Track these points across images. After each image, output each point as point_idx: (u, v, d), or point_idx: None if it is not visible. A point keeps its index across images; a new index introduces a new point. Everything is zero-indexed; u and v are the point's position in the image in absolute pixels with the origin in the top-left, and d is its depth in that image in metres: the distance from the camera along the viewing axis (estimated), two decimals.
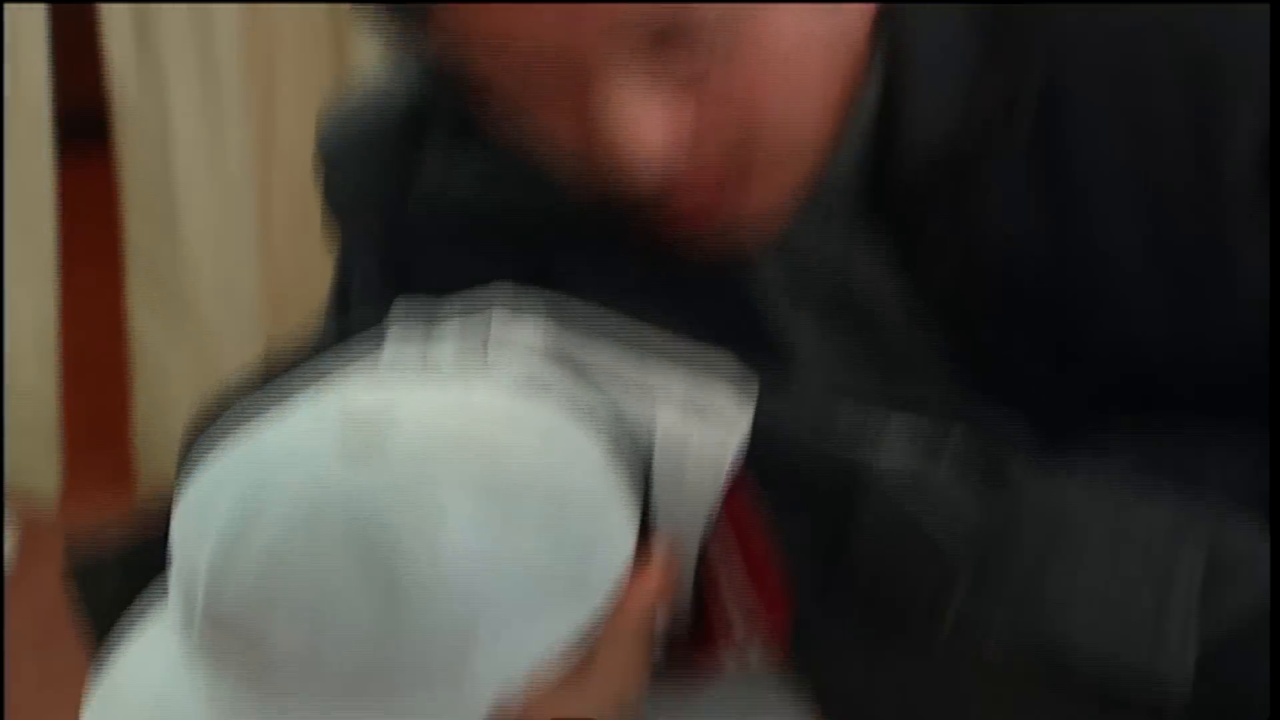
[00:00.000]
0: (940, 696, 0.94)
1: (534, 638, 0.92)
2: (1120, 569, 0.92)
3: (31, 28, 3.72)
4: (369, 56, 3.98)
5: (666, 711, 1.02)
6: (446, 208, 1.08)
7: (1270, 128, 1.49)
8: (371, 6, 0.98)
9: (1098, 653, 0.91)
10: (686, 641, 1.03)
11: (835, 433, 0.95)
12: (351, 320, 1.04)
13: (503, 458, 0.93)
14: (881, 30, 1.00)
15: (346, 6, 3.86)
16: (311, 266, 4.08)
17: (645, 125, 0.92)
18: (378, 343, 1.02)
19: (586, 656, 0.95)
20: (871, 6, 0.99)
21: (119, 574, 1.07)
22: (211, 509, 0.95)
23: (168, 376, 3.95)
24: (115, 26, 3.84)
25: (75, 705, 1.13)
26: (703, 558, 0.99)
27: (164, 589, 1.00)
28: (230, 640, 0.93)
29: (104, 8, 3.83)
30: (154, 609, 1.01)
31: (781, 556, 0.95)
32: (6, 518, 3.69)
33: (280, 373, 1.04)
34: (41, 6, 3.72)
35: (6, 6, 3.70)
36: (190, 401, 3.90)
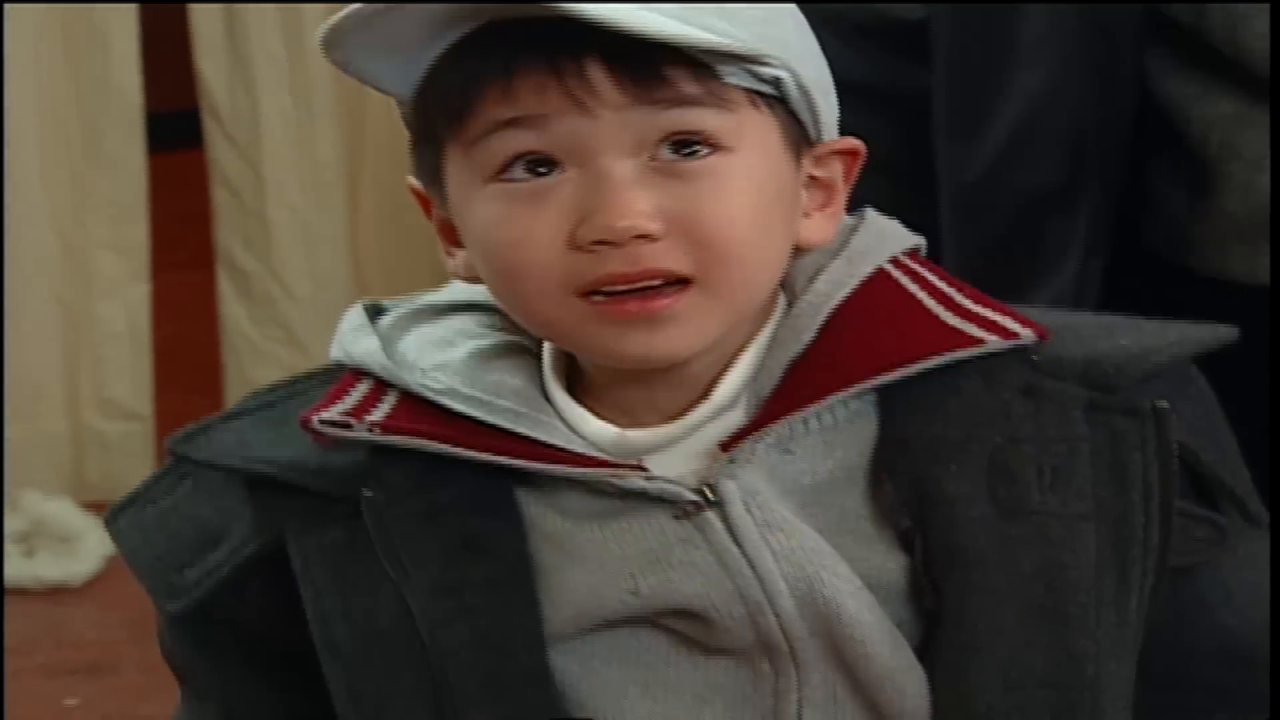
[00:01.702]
0: None
1: None
2: None
3: (123, 32, 3.76)
4: None
5: None
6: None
7: (1272, 144, 1.52)
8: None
9: None
10: None
11: None
12: None
13: None
14: None
15: None
16: (401, 268, 4.11)
17: (634, 195, 1.07)
18: None
19: None
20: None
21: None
22: None
23: (259, 378, 3.98)
24: (206, 31, 3.87)
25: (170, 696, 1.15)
26: None
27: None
28: None
29: (195, 13, 3.86)
30: None
31: None
32: (103, 530, 3.73)
33: None
34: (132, 9, 3.75)
35: (97, 10, 3.73)
36: None
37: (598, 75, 1.06)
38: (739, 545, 1.10)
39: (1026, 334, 1.13)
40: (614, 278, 1.06)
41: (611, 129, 1.06)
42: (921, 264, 1.18)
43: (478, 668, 1.09)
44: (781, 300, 1.15)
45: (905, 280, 1.16)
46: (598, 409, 1.12)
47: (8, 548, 3.66)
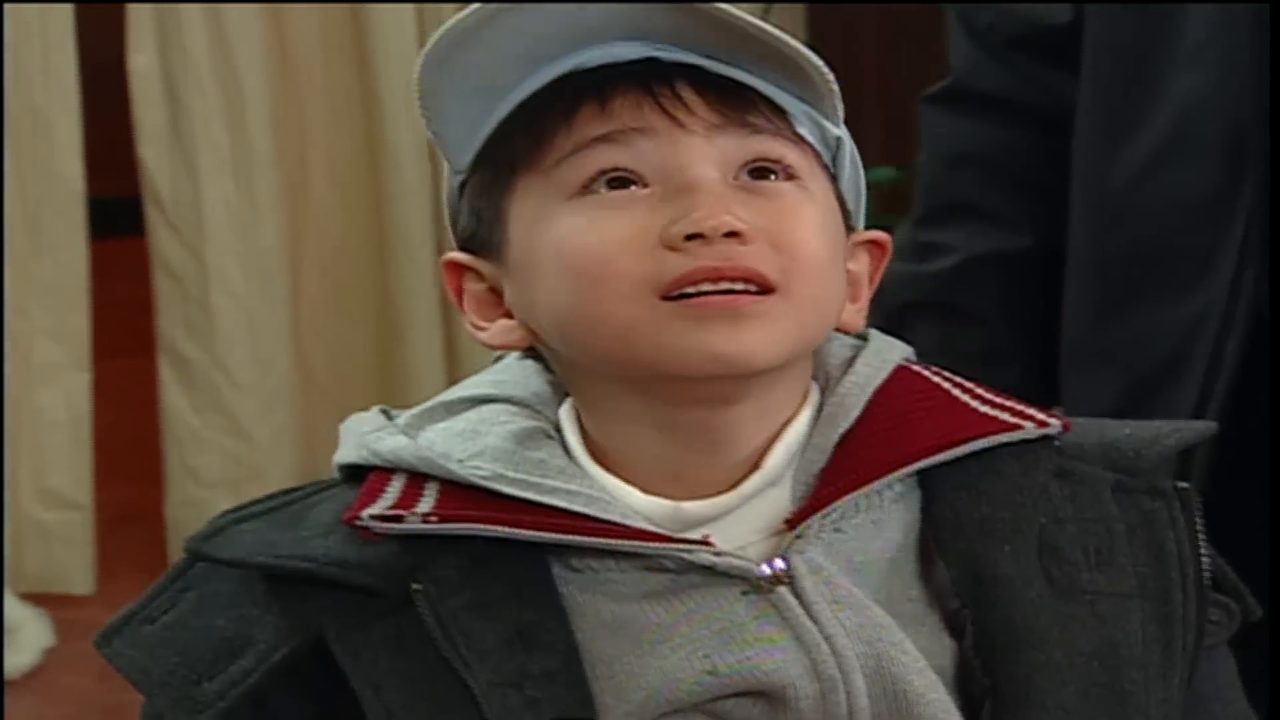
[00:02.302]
0: None
1: None
2: None
3: (65, 119, 3.74)
4: (401, 142, 3.99)
5: None
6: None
7: (1270, 150, 1.51)
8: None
9: None
10: None
11: None
12: None
13: None
14: None
15: (378, 89, 3.89)
16: (344, 356, 4.09)
17: (727, 195, 1.11)
18: None
19: None
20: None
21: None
22: None
23: (200, 466, 3.95)
24: (148, 118, 3.86)
25: None
26: None
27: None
28: None
29: (138, 100, 3.85)
30: None
31: None
32: (42, 621, 3.68)
33: None
34: (75, 101, 3.74)
35: (39, 96, 3.71)
36: (223, 487, 3.91)
37: (691, 96, 1.12)
38: (814, 621, 1.10)
39: (1054, 423, 1.17)
40: (704, 272, 1.09)
41: (700, 145, 1.12)
42: (925, 368, 1.21)
43: None
44: (814, 386, 1.17)
45: (928, 374, 1.20)
46: (640, 484, 1.13)
47: None
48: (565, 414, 1.16)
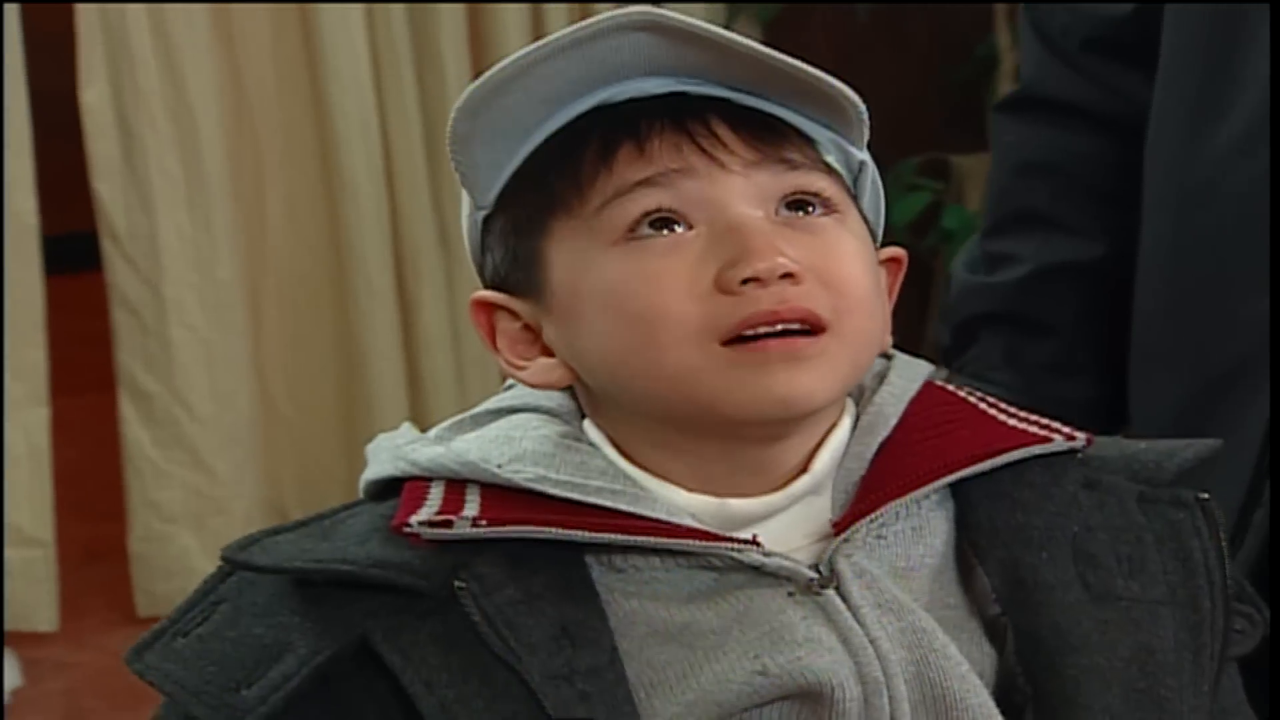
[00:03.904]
0: None
1: None
2: None
3: (18, 157, 3.73)
4: (356, 171, 3.99)
5: None
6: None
7: (1271, 139, 1.51)
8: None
9: None
10: None
11: None
12: None
13: None
14: None
15: (332, 120, 3.89)
16: (305, 387, 4.07)
17: (775, 235, 1.12)
18: None
19: None
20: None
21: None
22: None
23: (162, 500, 3.93)
24: (102, 153, 3.84)
25: None
26: None
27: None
28: None
29: (90, 134, 3.83)
30: None
31: None
32: (6, 660, 3.66)
33: None
34: (27, 135, 3.73)
35: None
36: (186, 521, 3.90)
37: (725, 133, 1.13)
38: (861, 625, 1.11)
39: (1080, 436, 1.20)
40: (764, 316, 1.10)
41: (740, 184, 1.13)
42: (948, 384, 1.23)
43: None
44: (849, 401, 1.19)
45: (953, 390, 1.22)
46: (683, 485, 1.14)
47: None
48: (590, 427, 1.17)
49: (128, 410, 3.94)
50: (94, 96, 3.83)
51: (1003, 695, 1.14)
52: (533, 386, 1.18)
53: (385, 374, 4.05)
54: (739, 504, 1.14)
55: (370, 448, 1.19)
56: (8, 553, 3.83)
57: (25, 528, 3.84)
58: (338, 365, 4.08)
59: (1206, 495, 1.20)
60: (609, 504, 1.12)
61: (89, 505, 4.08)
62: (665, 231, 1.13)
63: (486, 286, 1.19)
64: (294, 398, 4.06)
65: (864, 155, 1.19)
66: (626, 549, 1.12)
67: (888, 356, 1.21)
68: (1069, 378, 1.71)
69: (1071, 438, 1.20)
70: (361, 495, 1.18)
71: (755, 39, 1.39)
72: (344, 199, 4.00)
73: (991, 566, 1.16)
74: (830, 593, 1.12)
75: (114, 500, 3.99)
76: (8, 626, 3.79)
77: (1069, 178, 1.73)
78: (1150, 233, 1.64)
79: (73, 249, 3.99)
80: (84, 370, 4.10)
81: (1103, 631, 1.14)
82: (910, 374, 1.20)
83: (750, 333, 1.11)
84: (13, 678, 3.64)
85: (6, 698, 3.58)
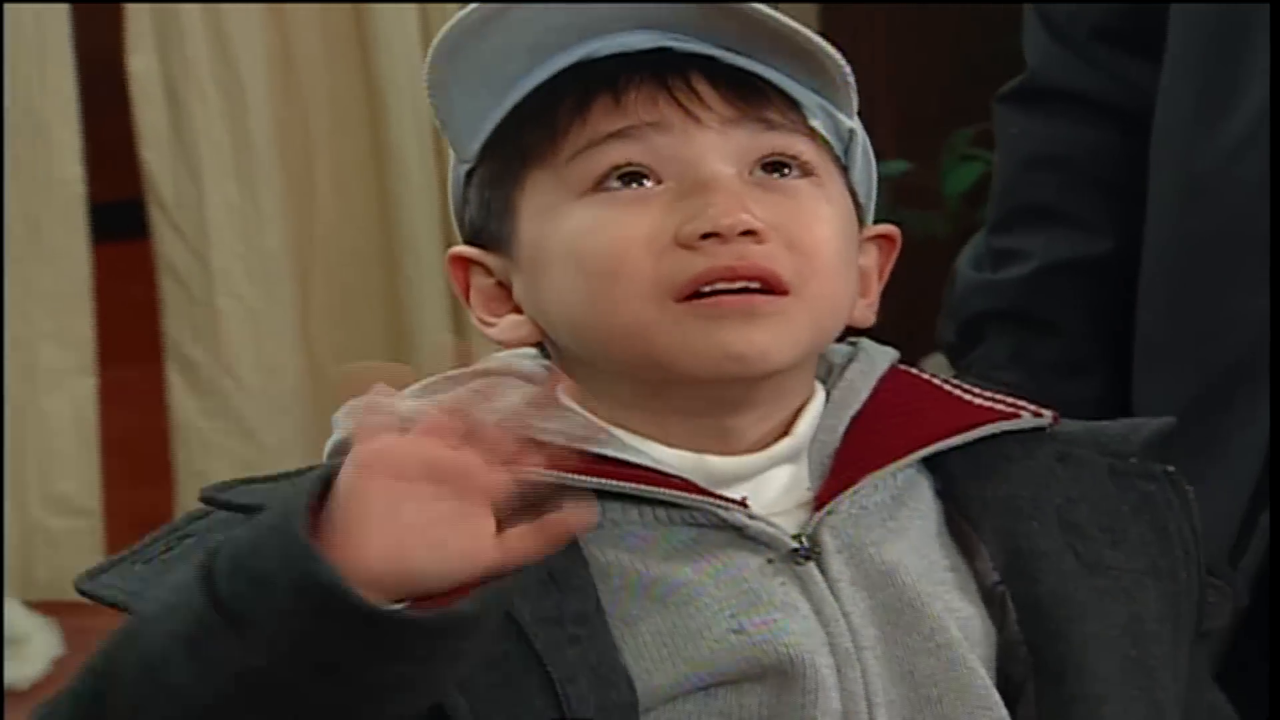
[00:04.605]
0: None
1: None
2: None
3: (64, 123, 3.71)
4: (406, 143, 3.96)
5: None
6: None
7: (1271, 137, 1.48)
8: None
9: None
10: None
11: None
12: None
13: None
14: None
15: (381, 91, 3.86)
16: (352, 357, 4.06)
17: (742, 193, 1.10)
18: None
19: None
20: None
21: None
22: None
23: (211, 471, 3.92)
24: (150, 121, 3.83)
25: None
26: None
27: None
28: None
29: (138, 102, 3.82)
30: None
31: None
32: (51, 630, 3.66)
33: None
34: (74, 104, 3.72)
35: (36, 101, 3.68)
36: None
37: (705, 89, 1.12)
38: (836, 597, 1.10)
39: (1047, 413, 1.20)
40: (720, 272, 1.09)
41: (715, 141, 1.11)
42: (912, 369, 1.23)
43: (590, 697, 1.08)
44: (818, 385, 1.18)
45: (917, 373, 1.22)
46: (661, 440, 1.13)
47: None
48: (562, 394, 1.14)
49: (175, 380, 3.93)
50: (142, 64, 3.82)
51: (1002, 668, 1.13)
52: (501, 344, 1.16)
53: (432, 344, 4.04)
54: (718, 461, 1.12)
55: (339, 413, 1.18)
56: (54, 522, 3.83)
57: (73, 497, 3.83)
58: (385, 337, 4.06)
59: (1173, 469, 1.20)
60: (595, 450, 1.10)
61: (137, 474, 4.07)
62: (633, 185, 1.10)
63: (465, 242, 1.18)
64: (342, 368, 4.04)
65: (853, 123, 1.17)
66: (605, 499, 1.10)
67: (853, 343, 1.20)
68: (1076, 377, 1.68)
69: (1039, 414, 1.19)
70: (325, 459, 1.16)
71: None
72: (392, 170, 3.98)
73: (988, 535, 1.15)
74: (810, 564, 1.11)
75: (161, 470, 3.98)
76: (53, 596, 3.79)
77: (1076, 171, 1.69)
78: (1155, 226, 1.61)
79: (120, 217, 3.97)
80: (131, 339, 4.08)
81: (1099, 600, 1.14)
82: (878, 356, 1.19)
83: (708, 288, 1.09)
84: (57, 647, 3.64)
85: (49, 666, 3.59)
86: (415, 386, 1.17)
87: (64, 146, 3.71)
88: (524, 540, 1.00)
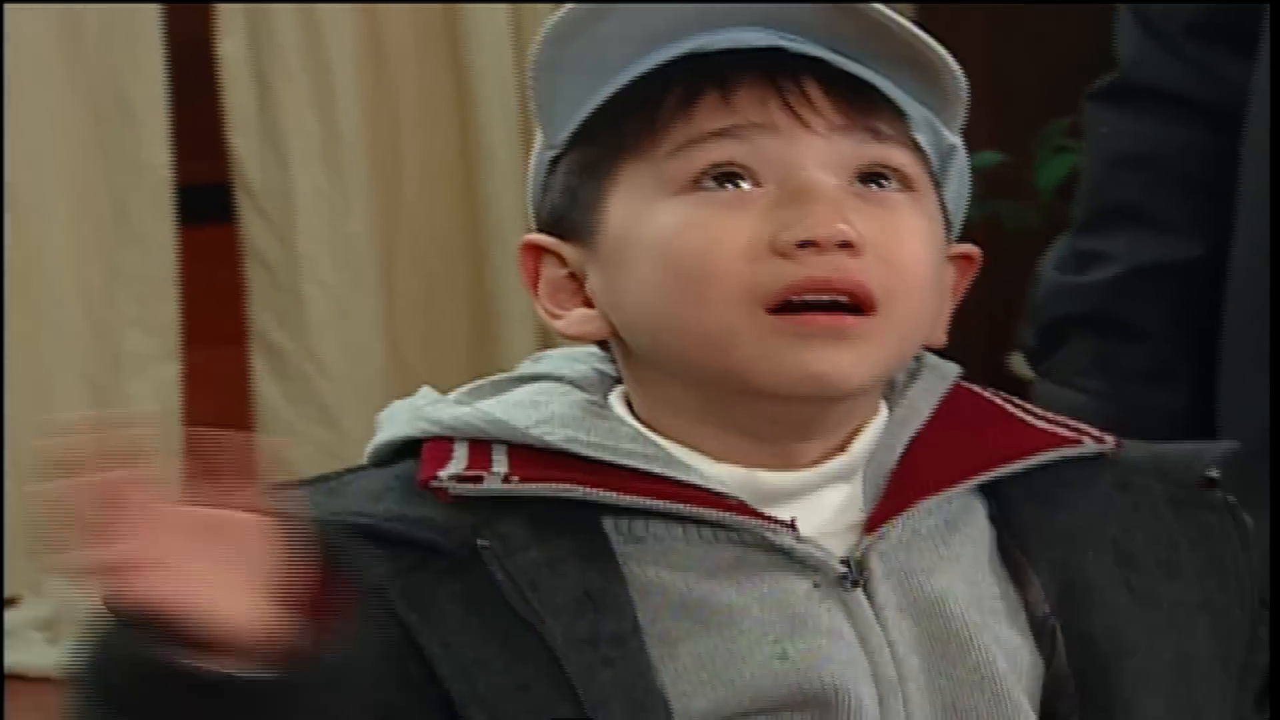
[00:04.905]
0: None
1: None
2: None
3: (152, 107, 3.72)
4: (493, 131, 3.95)
5: None
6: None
7: (1272, 142, 1.43)
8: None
9: None
10: None
11: None
12: None
13: None
14: None
15: (470, 78, 3.85)
16: (437, 345, 4.05)
17: (843, 203, 1.08)
18: None
19: None
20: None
21: None
22: None
23: (293, 457, 3.92)
24: (238, 106, 3.83)
25: None
26: None
27: None
28: None
29: (227, 86, 3.82)
30: None
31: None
32: None
33: None
34: (162, 88, 3.72)
35: (126, 85, 3.69)
36: None
37: (816, 94, 1.09)
38: (881, 626, 1.08)
39: (1109, 439, 1.16)
40: (814, 283, 1.06)
41: (820, 147, 1.09)
42: (975, 386, 1.20)
43: None
44: (881, 404, 1.15)
45: (981, 391, 1.19)
46: (711, 455, 1.10)
47: (31, 634, 3.60)
48: (616, 400, 1.14)
49: (259, 364, 3.93)
50: (231, 48, 3.82)
51: (1046, 702, 1.10)
52: (568, 338, 1.14)
53: (518, 335, 4.02)
54: (770, 477, 1.10)
55: (382, 415, 1.17)
56: None
57: None
58: (470, 324, 4.05)
59: (1234, 499, 1.17)
60: (642, 466, 1.08)
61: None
62: (729, 186, 1.08)
63: (540, 230, 1.15)
64: (426, 356, 4.04)
65: (955, 139, 1.15)
66: (649, 516, 1.08)
67: (917, 358, 1.17)
68: (1161, 385, 1.63)
69: (1101, 440, 1.16)
70: (366, 461, 1.15)
71: None
72: (480, 157, 3.97)
73: (1042, 566, 1.12)
74: (857, 591, 1.08)
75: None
76: None
77: (1167, 171, 1.64)
78: (1245, 228, 1.56)
79: (206, 200, 3.98)
80: (216, 322, 4.08)
81: (1149, 635, 1.11)
82: (941, 373, 1.17)
83: (797, 299, 1.06)
84: None
85: None
86: (459, 391, 1.16)
87: (152, 132, 3.72)
88: (250, 496, 0.99)
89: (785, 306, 1.07)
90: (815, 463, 1.11)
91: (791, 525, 1.09)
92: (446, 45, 3.97)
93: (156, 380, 3.81)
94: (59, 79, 3.65)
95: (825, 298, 1.07)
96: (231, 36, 3.82)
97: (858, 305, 1.08)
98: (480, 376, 3.76)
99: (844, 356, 1.07)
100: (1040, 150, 3.57)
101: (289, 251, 3.88)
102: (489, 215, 3.99)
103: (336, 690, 1.00)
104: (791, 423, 1.09)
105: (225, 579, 0.97)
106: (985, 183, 3.31)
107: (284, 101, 3.83)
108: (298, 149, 3.85)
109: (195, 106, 3.89)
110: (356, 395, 3.93)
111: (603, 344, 1.15)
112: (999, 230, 3.41)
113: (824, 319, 1.07)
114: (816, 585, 1.08)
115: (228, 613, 0.97)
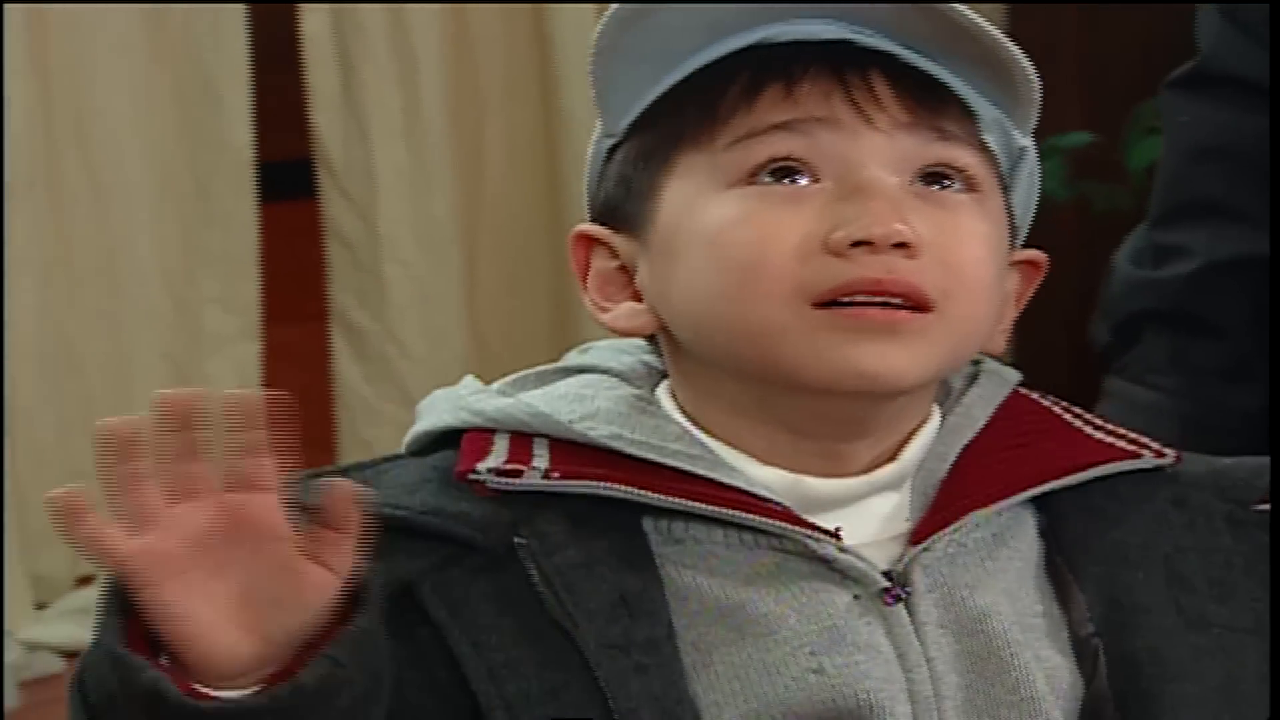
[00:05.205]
0: None
1: None
2: None
3: (235, 86, 3.71)
4: (577, 113, 3.93)
5: None
6: None
7: (1272, 151, 1.38)
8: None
9: None
10: None
11: None
12: None
13: None
14: None
15: (554, 59, 3.81)
16: (518, 328, 4.03)
17: (900, 203, 1.05)
18: None
19: None
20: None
21: None
22: None
23: (373, 438, 3.91)
24: (321, 84, 3.82)
25: None
26: None
27: None
28: None
29: (310, 64, 3.81)
30: None
31: None
32: None
33: None
34: (245, 67, 3.71)
35: (208, 63, 3.68)
36: None
37: (883, 90, 1.07)
38: (921, 642, 1.06)
39: (1169, 453, 1.14)
40: (865, 284, 1.04)
41: (882, 145, 1.06)
42: (1035, 394, 1.17)
43: None
44: (934, 406, 1.12)
45: (1040, 399, 1.16)
46: (756, 456, 1.08)
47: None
48: (663, 394, 1.11)
49: (339, 345, 3.92)
50: (314, 26, 3.81)
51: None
52: (615, 331, 1.12)
53: None
54: (815, 483, 1.07)
55: (423, 403, 1.14)
56: None
57: None
58: (551, 308, 4.03)
59: None
60: (687, 467, 1.06)
61: (300, 437, 4.07)
62: (787, 181, 1.05)
63: (593, 220, 1.14)
64: (507, 339, 4.02)
65: (1026, 141, 1.12)
66: (689, 518, 1.06)
67: (976, 363, 1.14)
68: (1238, 384, 1.59)
69: (1160, 454, 1.13)
70: (404, 450, 1.13)
71: None
72: (564, 139, 3.94)
73: (1088, 584, 1.10)
74: (899, 606, 1.06)
75: (324, 434, 3.97)
76: None
77: (1248, 163, 1.60)
78: None
79: (288, 177, 3.97)
80: (296, 300, 4.08)
81: (1196, 659, 1.08)
82: (1000, 380, 1.14)
83: (847, 299, 1.04)
84: None
85: None
86: (503, 382, 1.14)
87: (235, 110, 3.71)
88: (338, 553, 0.97)
89: (834, 303, 1.04)
90: (864, 469, 1.08)
91: (835, 535, 1.06)
92: (532, 26, 3.95)
93: (237, 359, 3.81)
94: (143, 57, 3.65)
95: (877, 299, 1.04)
96: (314, 13, 3.81)
97: (911, 305, 1.05)
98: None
99: (895, 352, 1.05)
100: (1132, 131, 3.52)
101: (370, 231, 3.87)
102: (571, 200, 3.96)
103: (338, 707, 0.98)
104: (840, 420, 1.07)
105: (229, 592, 0.96)
106: (1075, 164, 3.28)
107: (366, 79, 3.82)
108: (379, 127, 3.83)
109: (278, 83, 3.89)
110: (437, 377, 3.89)
111: (650, 338, 1.13)
112: (1087, 212, 3.37)
113: (876, 314, 1.04)
114: (857, 598, 1.06)
115: (215, 638, 0.96)
